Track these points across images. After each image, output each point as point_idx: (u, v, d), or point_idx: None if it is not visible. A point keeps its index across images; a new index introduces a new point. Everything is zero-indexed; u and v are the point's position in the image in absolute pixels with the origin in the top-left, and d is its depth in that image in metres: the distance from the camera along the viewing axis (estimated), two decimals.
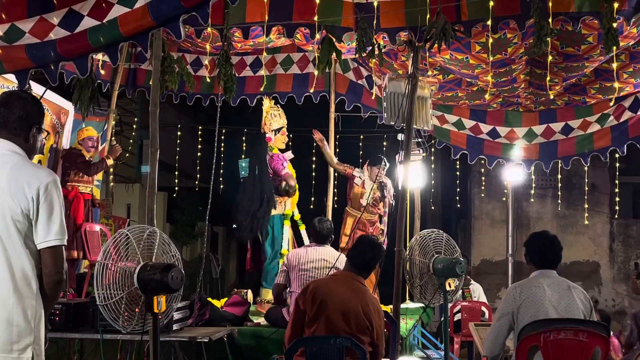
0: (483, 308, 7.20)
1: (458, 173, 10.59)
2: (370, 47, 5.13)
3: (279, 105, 7.12)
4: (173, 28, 4.15)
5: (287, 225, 6.95)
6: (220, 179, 9.73)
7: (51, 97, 7.22)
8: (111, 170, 8.17)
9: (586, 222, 10.88)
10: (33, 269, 2.54)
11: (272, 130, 6.92)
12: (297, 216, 7.14)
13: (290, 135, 10.72)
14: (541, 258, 3.96)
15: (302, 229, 7.00)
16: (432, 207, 11.67)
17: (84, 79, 6.03)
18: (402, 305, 5.43)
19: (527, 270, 4.07)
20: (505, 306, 3.84)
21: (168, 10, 4.07)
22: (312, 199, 10.06)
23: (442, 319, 5.43)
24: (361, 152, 8.08)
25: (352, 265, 4.26)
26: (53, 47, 4.23)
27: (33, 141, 2.72)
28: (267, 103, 7.03)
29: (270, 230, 6.82)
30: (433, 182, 10.44)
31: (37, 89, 6.43)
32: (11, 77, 5.57)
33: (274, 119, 6.96)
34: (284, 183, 6.76)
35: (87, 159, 7.01)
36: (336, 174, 8.02)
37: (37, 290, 2.55)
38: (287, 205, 6.95)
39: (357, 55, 5.41)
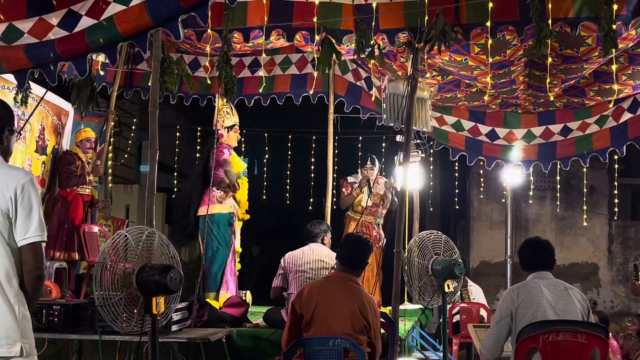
0: (482, 309, 7.20)
1: (457, 174, 10.57)
2: (370, 48, 5.13)
3: (231, 104, 7.05)
4: (172, 28, 4.15)
5: (238, 227, 6.77)
6: None
7: (51, 98, 7.21)
8: (110, 170, 8.16)
9: (585, 223, 10.85)
10: (14, 267, 2.60)
11: (225, 128, 6.88)
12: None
13: (290, 136, 10.79)
14: (534, 263, 3.97)
15: None
16: (431, 209, 11.65)
17: (82, 79, 6.03)
18: (401, 307, 5.43)
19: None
20: (504, 308, 3.84)
21: (167, 10, 4.07)
22: (311, 200, 10.04)
23: (441, 320, 5.43)
24: (360, 154, 8.06)
25: (343, 265, 4.27)
26: (52, 47, 4.23)
27: (7, 143, 2.78)
28: (219, 101, 6.97)
29: (213, 228, 6.55)
30: (432, 183, 10.42)
31: (36, 89, 6.43)
32: (10, 77, 5.57)
33: (226, 116, 6.90)
34: (221, 171, 6.52)
35: (83, 161, 7.00)
36: (335, 175, 8.01)
37: (18, 287, 2.61)
38: (234, 204, 6.67)
39: (355, 57, 5.41)
